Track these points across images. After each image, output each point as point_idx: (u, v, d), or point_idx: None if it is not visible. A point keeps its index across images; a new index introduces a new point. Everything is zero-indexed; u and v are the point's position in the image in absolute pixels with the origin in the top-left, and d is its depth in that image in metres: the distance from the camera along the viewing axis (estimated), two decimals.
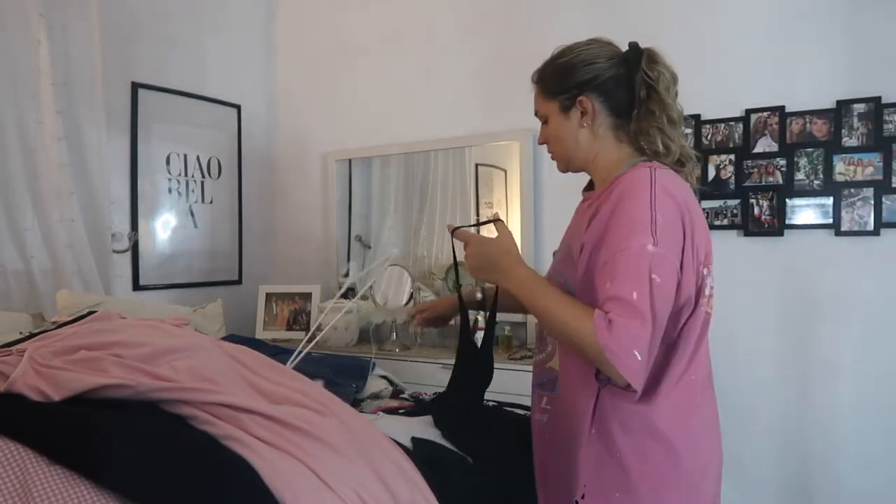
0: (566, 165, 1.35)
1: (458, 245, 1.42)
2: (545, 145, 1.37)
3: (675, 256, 1.11)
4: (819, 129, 2.40)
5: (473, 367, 1.58)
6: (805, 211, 2.42)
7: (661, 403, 1.15)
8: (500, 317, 3.16)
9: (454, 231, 1.43)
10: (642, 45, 1.27)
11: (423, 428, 1.47)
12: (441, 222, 3.32)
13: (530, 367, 2.54)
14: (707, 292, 1.18)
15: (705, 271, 1.17)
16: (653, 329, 1.05)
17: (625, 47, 1.29)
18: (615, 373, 1.05)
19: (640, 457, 1.15)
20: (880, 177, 2.30)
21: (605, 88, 1.25)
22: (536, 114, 1.36)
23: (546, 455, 1.30)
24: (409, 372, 2.67)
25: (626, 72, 1.25)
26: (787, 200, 2.44)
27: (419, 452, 1.29)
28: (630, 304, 1.04)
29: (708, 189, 2.56)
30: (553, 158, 1.37)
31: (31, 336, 1.42)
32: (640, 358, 1.04)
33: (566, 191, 2.96)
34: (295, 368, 1.34)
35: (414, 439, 1.36)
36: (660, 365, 1.15)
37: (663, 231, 1.09)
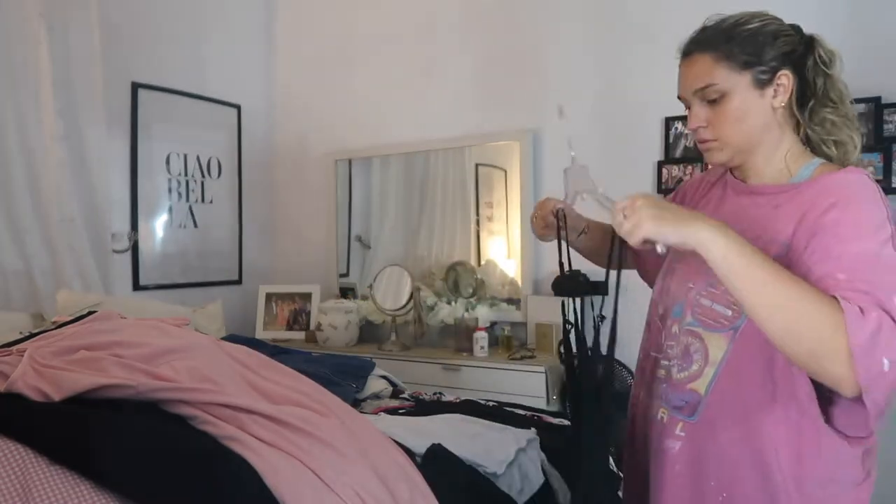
0: (734, 155, 1.10)
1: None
2: (698, 130, 1.11)
3: None
4: None
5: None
6: None
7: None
8: (499, 317, 3.14)
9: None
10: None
11: (425, 428, 1.47)
12: (441, 222, 3.32)
13: (532, 367, 2.56)
14: None
15: None
16: None
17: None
18: (848, 375, 0.85)
19: None
20: (880, 177, 2.30)
21: (799, 66, 1.07)
22: (704, 89, 1.08)
23: (677, 488, 1.10)
24: (409, 372, 2.67)
25: (804, 52, 1.08)
26: None
27: (433, 461, 1.28)
28: (890, 308, 0.86)
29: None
30: (709, 147, 1.11)
31: (31, 336, 1.42)
32: (886, 366, 0.84)
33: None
34: (295, 368, 1.34)
35: (431, 448, 1.33)
36: None
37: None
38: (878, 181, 2.40)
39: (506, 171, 3.08)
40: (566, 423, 1.74)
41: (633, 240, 0.95)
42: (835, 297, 0.87)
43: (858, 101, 2.31)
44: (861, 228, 0.94)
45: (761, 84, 1.06)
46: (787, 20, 1.16)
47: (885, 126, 2.29)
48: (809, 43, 1.08)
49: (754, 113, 1.07)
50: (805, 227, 0.98)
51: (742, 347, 1.03)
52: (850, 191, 0.99)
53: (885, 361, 0.84)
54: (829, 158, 1.07)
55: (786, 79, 1.06)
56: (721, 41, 1.09)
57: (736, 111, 1.07)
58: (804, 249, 0.97)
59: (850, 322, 0.84)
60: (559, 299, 2.70)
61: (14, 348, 1.26)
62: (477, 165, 3.19)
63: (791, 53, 1.07)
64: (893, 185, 2.29)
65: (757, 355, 1.02)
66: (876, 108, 2.30)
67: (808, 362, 0.90)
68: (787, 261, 0.97)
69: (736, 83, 1.06)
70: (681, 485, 1.09)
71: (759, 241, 0.99)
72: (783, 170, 1.08)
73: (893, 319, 0.86)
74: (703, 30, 1.14)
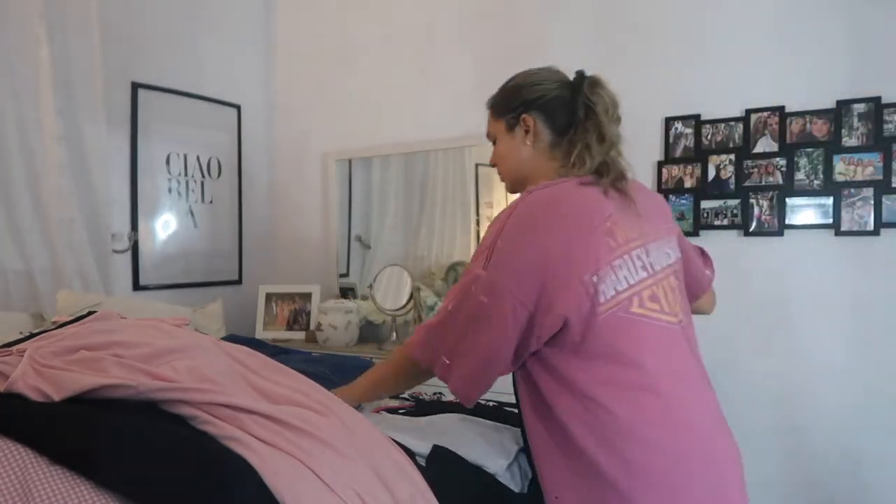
0: (512, 185, 1.41)
1: None
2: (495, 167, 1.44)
3: (513, 280, 1.15)
4: (819, 129, 2.40)
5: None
6: (805, 211, 2.42)
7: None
8: None
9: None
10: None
11: (425, 428, 1.47)
12: (441, 222, 3.32)
13: None
14: (607, 298, 1.14)
15: (595, 278, 1.14)
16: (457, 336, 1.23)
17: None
18: (424, 364, 1.32)
19: None
20: (880, 177, 2.30)
21: (548, 108, 1.32)
22: (488, 136, 1.44)
23: None
24: None
25: (569, 94, 1.32)
26: (786, 200, 2.44)
27: (436, 461, 1.28)
28: (442, 311, 1.25)
29: (718, 189, 2.57)
30: (501, 180, 1.44)
31: (31, 336, 1.42)
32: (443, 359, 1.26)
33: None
34: (295, 368, 1.34)
35: (434, 448, 1.34)
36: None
37: (501, 256, 1.18)
38: (878, 181, 2.40)
39: None
40: None
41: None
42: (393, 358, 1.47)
43: (858, 101, 2.32)
44: (479, 250, 1.23)
45: (511, 127, 1.36)
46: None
47: (885, 126, 2.29)
48: (580, 85, 1.31)
49: (510, 150, 1.37)
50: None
51: None
52: (511, 207, 1.23)
53: (429, 343, 1.30)
54: (573, 168, 1.28)
55: (528, 120, 1.33)
56: (493, 100, 1.42)
57: (502, 150, 1.40)
58: None
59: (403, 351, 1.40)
60: None
61: (14, 348, 1.26)
62: (477, 165, 3.19)
63: (537, 99, 1.33)
64: (893, 185, 2.29)
65: None
66: (876, 108, 2.30)
67: (419, 381, 1.48)
68: None
69: (498, 129, 1.39)
70: None
71: None
72: None
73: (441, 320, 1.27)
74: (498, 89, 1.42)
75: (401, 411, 1.80)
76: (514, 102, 1.35)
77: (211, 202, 3.34)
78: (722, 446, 1.21)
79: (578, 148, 1.27)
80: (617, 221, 1.20)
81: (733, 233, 2.55)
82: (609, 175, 1.25)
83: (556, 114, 1.32)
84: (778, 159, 2.46)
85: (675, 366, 1.20)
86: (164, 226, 3.12)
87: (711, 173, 2.57)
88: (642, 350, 1.16)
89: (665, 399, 1.14)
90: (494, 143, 1.41)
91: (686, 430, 1.15)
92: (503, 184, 1.45)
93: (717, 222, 2.56)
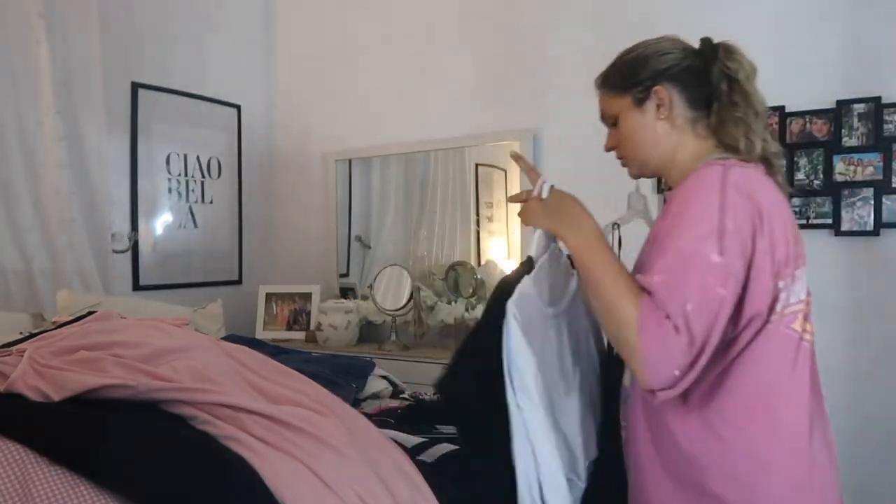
0: (640, 168, 1.24)
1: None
2: (613, 152, 1.26)
3: (741, 266, 1.01)
4: (819, 129, 2.40)
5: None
6: (805, 211, 2.42)
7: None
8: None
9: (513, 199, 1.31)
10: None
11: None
12: (441, 222, 3.32)
13: None
14: (782, 308, 1.05)
15: (781, 284, 1.04)
16: (701, 349, 0.98)
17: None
18: (640, 373, 1.00)
19: None
20: (880, 177, 2.30)
21: (682, 78, 1.17)
22: (603, 118, 1.26)
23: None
24: (409, 372, 2.67)
25: (702, 63, 1.17)
26: None
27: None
28: (684, 315, 0.97)
29: None
30: (624, 164, 1.26)
31: (31, 336, 1.42)
32: (676, 374, 0.98)
33: (565, 191, 2.94)
34: (295, 368, 1.34)
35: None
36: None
37: (732, 240, 1.00)
38: (878, 181, 2.40)
39: (506, 172, 3.08)
40: None
41: (523, 223, 1.19)
42: (643, 295, 1.02)
43: (858, 101, 2.32)
44: (682, 221, 1.05)
45: (640, 102, 1.19)
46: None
47: (885, 126, 2.29)
48: (714, 52, 1.17)
49: (641, 128, 1.20)
50: (658, 226, 1.14)
51: None
52: (694, 182, 1.09)
53: (676, 372, 0.99)
54: (736, 150, 1.14)
55: (662, 92, 1.17)
56: (609, 74, 1.25)
57: (628, 130, 1.22)
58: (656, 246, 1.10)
59: (643, 324, 0.99)
60: None
61: (14, 348, 1.26)
62: (477, 165, 3.19)
63: (668, 69, 1.17)
64: (893, 185, 2.29)
65: None
66: (876, 108, 2.30)
67: (617, 349, 1.07)
68: (649, 253, 1.12)
69: (621, 106, 1.21)
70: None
71: (652, 243, 1.14)
72: (686, 170, 1.17)
73: (689, 328, 0.97)
74: (608, 66, 1.27)
75: (398, 410, 1.80)
76: (641, 74, 1.18)
77: (211, 202, 3.34)
78: None
79: (734, 125, 1.13)
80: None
81: None
82: (776, 162, 1.16)
83: (691, 84, 1.17)
84: None
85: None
86: (164, 226, 3.12)
87: None
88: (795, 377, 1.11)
89: None
90: (614, 124, 1.23)
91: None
92: (627, 168, 1.27)
93: None
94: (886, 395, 2.31)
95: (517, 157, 1.31)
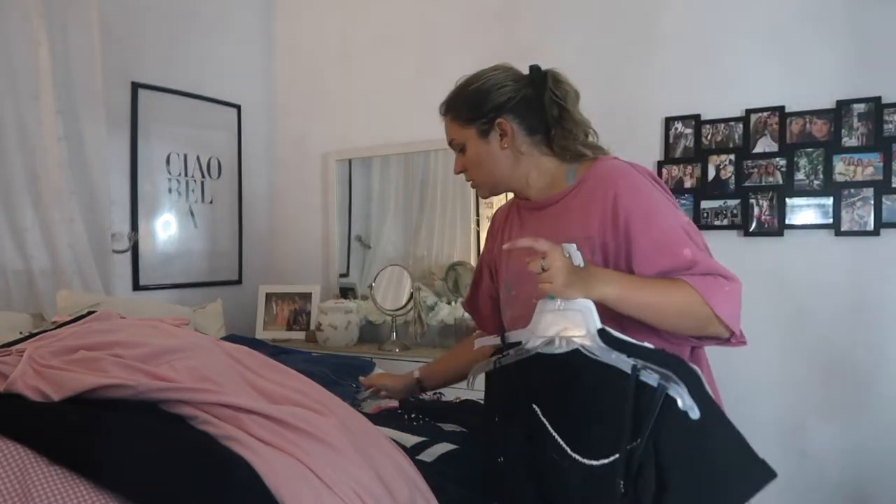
0: (491, 191, 1.39)
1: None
2: (463, 174, 1.40)
3: None
4: (819, 129, 2.40)
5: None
6: (805, 211, 2.42)
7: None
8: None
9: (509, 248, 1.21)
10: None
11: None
12: (441, 222, 3.32)
13: None
14: None
15: None
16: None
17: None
18: (723, 330, 1.15)
19: None
20: (880, 177, 2.30)
21: (519, 109, 1.32)
22: (451, 144, 1.40)
23: None
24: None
25: (534, 92, 1.32)
26: (786, 200, 2.44)
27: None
28: (718, 267, 1.16)
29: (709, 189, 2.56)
30: (473, 186, 1.41)
31: (31, 336, 1.42)
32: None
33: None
34: (295, 368, 1.34)
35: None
36: None
37: (676, 202, 1.25)
38: (878, 181, 2.41)
39: None
40: None
41: (556, 295, 1.08)
42: (683, 281, 1.13)
43: (858, 101, 2.32)
44: (649, 211, 1.19)
45: (484, 133, 1.33)
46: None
47: (885, 126, 2.29)
48: (543, 81, 1.32)
49: (488, 156, 1.33)
50: (604, 223, 1.21)
51: None
52: (616, 177, 1.23)
53: (738, 310, 1.17)
54: (586, 157, 1.31)
55: (504, 124, 1.31)
56: (452, 104, 1.38)
57: (475, 158, 1.35)
58: (615, 239, 1.20)
59: (708, 296, 1.11)
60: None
61: (14, 348, 1.26)
62: None
63: (507, 101, 1.31)
64: (893, 185, 2.29)
65: None
66: (876, 108, 2.30)
67: (694, 333, 1.17)
68: (605, 252, 1.21)
69: (467, 136, 1.35)
70: None
71: (575, 239, 1.17)
72: (547, 185, 1.33)
73: (723, 276, 1.15)
74: (450, 93, 1.40)
75: (398, 410, 1.80)
76: (483, 108, 1.33)
77: (211, 202, 3.34)
78: None
79: (576, 149, 1.31)
80: None
81: (733, 233, 2.55)
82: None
83: (527, 114, 1.32)
84: (778, 159, 2.46)
85: None
86: (164, 226, 3.12)
87: (711, 173, 2.57)
88: None
89: None
90: (461, 150, 1.38)
91: None
92: (477, 190, 1.44)
93: (716, 222, 2.56)
94: (887, 395, 2.31)
95: (510, 248, 1.18)
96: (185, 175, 3.21)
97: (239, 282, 3.48)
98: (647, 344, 1.05)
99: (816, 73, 2.39)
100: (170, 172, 3.13)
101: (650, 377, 0.97)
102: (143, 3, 2.99)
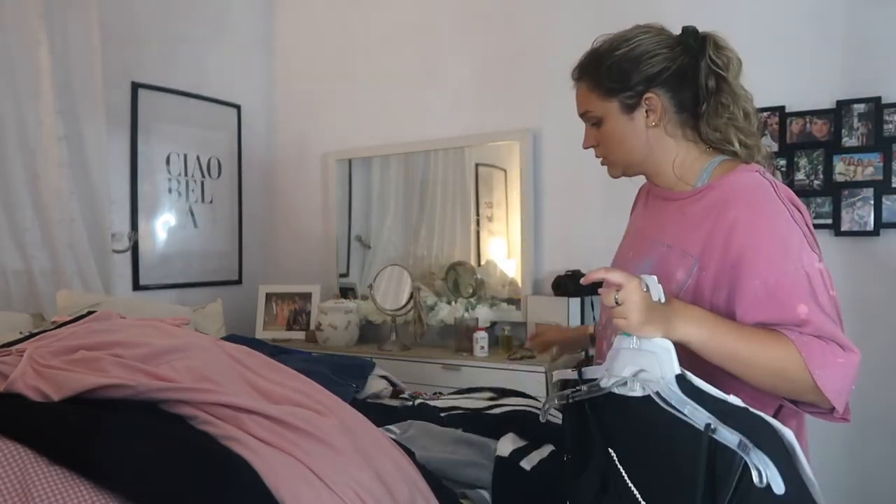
0: (624, 171, 1.19)
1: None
2: (592, 149, 1.20)
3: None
4: (819, 129, 2.40)
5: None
6: None
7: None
8: (499, 317, 3.13)
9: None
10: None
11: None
12: (441, 222, 3.32)
13: (532, 367, 2.55)
14: None
15: None
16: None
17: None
18: (824, 401, 0.95)
19: None
20: (880, 177, 2.30)
21: (672, 82, 1.11)
22: (583, 115, 1.18)
23: None
24: (409, 372, 2.67)
25: (690, 61, 1.11)
26: None
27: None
28: (835, 333, 0.96)
29: None
30: (604, 163, 1.20)
31: (31, 336, 1.42)
32: (852, 388, 0.96)
33: (566, 191, 2.93)
34: (295, 368, 1.34)
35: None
36: None
37: (814, 244, 1.02)
38: (878, 181, 2.39)
39: (506, 171, 3.08)
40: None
41: (631, 332, 0.94)
42: (786, 337, 0.95)
43: (858, 101, 2.32)
44: (771, 248, 0.99)
45: (629, 108, 1.12)
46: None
47: (885, 126, 2.29)
48: (701, 46, 1.12)
49: (629, 135, 1.13)
50: (712, 247, 1.03)
51: None
52: (745, 196, 1.03)
53: (852, 387, 0.96)
54: (735, 154, 1.11)
55: (653, 100, 1.10)
56: (592, 70, 1.16)
57: (613, 135, 1.14)
58: (720, 269, 1.02)
59: (812, 362, 0.93)
60: (559, 299, 2.71)
61: (14, 348, 1.26)
62: (477, 165, 3.19)
63: (660, 73, 1.11)
64: (893, 185, 2.29)
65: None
66: (876, 108, 2.30)
67: (788, 397, 1.00)
68: (701, 278, 1.04)
69: (608, 110, 1.13)
70: None
71: (674, 249, 1.07)
72: (678, 179, 1.13)
73: (839, 344, 0.95)
74: (586, 55, 1.19)
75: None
76: (630, 79, 1.11)
77: (211, 202, 3.34)
78: None
79: (727, 131, 1.09)
80: None
81: None
82: (769, 165, 1.11)
83: (681, 88, 1.11)
84: (778, 159, 2.45)
85: None
86: (164, 226, 3.12)
87: None
88: None
89: None
90: (595, 123, 1.16)
91: None
92: (607, 168, 1.21)
93: None
94: (888, 395, 2.31)
95: (586, 283, 0.99)
96: (185, 175, 3.21)
97: (239, 282, 3.48)
98: (732, 398, 0.88)
99: (816, 73, 2.39)
100: (170, 172, 3.13)
101: (728, 438, 0.82)
102: (143, 3, 2.99)
